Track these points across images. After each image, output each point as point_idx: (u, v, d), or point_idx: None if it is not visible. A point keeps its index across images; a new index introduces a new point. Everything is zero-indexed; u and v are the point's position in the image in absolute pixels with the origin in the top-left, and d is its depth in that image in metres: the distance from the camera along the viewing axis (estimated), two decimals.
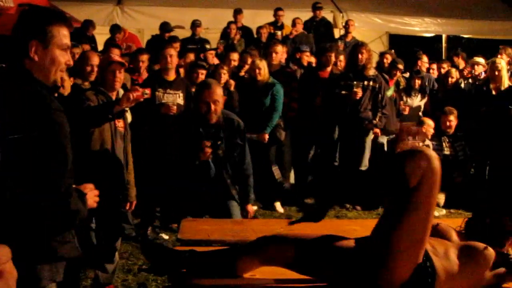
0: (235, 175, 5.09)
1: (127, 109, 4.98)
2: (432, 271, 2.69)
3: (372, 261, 2.65)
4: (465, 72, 9.47)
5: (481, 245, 2.90)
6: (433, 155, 2.65)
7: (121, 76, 4.79)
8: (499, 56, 9.50)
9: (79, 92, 5.03)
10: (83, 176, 2.77)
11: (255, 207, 7.79)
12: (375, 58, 9.51)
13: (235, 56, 8.52)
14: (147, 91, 4.76)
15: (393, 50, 10.72)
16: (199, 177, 4.89)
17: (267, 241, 2.94)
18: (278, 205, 7.84)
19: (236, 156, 5.04)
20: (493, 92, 8.20)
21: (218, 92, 4.83)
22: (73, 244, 2.56)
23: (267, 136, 7.63)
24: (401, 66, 8.94)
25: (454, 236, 3.02)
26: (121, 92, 5.24)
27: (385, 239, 2.63)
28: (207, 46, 10.00)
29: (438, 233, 3.08)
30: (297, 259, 2.84)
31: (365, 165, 7.88)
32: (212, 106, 4.77)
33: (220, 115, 4.90)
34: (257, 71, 7.59)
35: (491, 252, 2.87)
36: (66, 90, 5.84)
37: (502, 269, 2.87)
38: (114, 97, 4.76)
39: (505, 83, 8.22)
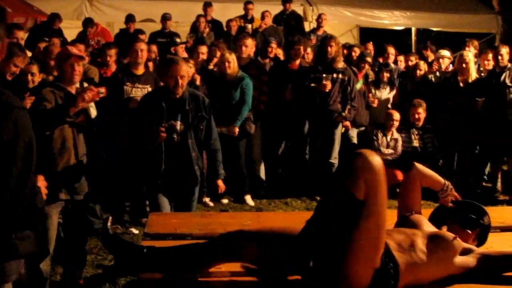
0: (201, 149, 5.34)
1: (92, 104, 5.00)
2: (395, 271, 2.68)
3: (329, 270, 2.63)
4: (434, 66, 9.55)
5: (450, 235, 2.92)
6: (372, 159, 2.58)
7: (80, 69, 4.77)
8: (466, 48, 9.61)
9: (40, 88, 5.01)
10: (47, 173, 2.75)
11: (225, 200, 7.83)
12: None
13: (203, 49, 8.48)
14: (102, 90, 4.71)
15: (371, 43, 10.75)
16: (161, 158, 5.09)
17: (230, 238, 2.92)
18: (248, 198, 7.85)
19: (202, 129, 5.23)
20: (461, 85, 8.29)
21: (184, 68, 5.10)
22: (31, 240, 2.55)
23: (237, 129, 7.62)
24: (369, 59, 8.99)
25: (425, 225, 3.04)
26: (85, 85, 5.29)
27: (339, 249, 2.59)
28: (177, 40, 9.96)
29: (409, 222, 3.11)
30: (259, 256, 2.83)
31: (334, 157, 7.91)
32: (179, 81, 4.98)
33: (186, 90, 5.12)
34: (227, 64, 7.56)
35: (459, 242, 2.91)
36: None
37: (468, 258, 2.90)
38: (74, 91, 4.72)
39: (473, 75, 8.32)
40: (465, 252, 2.92)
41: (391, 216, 3.59)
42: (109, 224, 2.96)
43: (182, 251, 2.96)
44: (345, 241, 2.57)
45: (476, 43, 10.23)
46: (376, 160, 2.58)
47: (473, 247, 2.97)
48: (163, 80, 5.37)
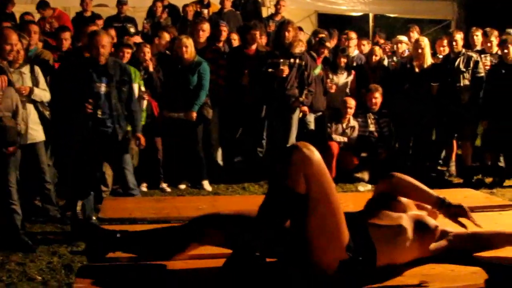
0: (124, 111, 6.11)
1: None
2: (371, 255, 2.68)
3: (298, 257, 2.64)
4: (387, 49, 9.64)
5: (433, 223, 2.94)
6: (308, 152, 2.54)
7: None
8: (410, 34, 9.75)
9: None
10: None
11: (183, 186, 7.80)
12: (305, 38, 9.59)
13: (166, 36, 8.40)
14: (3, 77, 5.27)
15: (335, 30, 10.77)
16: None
17: (198, 225, 2.88)
18: (206, 183, 7.83)
19: (125, 92, 6.07)
20: (416, 70, 8.38)
21: (105, 39, 5.89)
22: None
23: (195, 115, 7.58)
24: (328, 45, 9.00)
25: (408, 207, 3.01)
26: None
27: (300, 241, 2.59)
28: (131, 30, 9.57)
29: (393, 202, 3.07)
30: (228, 241, 2.80)
31: (292, 142, 7.93)
32: (101, 50, 5.79)
33: (108, 58, 5.94)
34: (184, 49, 7.50)
35: (439, 230, 2.94)
36: None
37: (443, 241, 2.93)
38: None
39: (428, 61, 8.42)
40: (442, 235, 2.95)
41: (345, 200, 3.64)
42: (78, 209, 2.89)
43: (154, 235, 2.91)
44: (303, 234, 2.57)
45: (417, 28, 10.34)
46: (312, 152, 2.55)
47: (448, 229, 2.99)
48: (88, 51, 6.06)
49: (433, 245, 2.89)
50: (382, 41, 10.63)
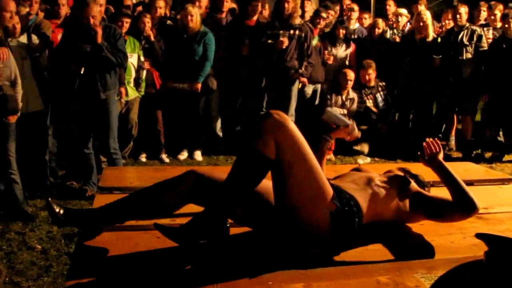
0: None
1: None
2: (357, 207, 2.68)
3: (284, 221, 2.63)
4: (390, 21, 9.55)
5: (402, 178, 2.99)
6: (280, 118, 2.55)
7: None
8: (419, 6, 9.64)
9: None
10: None
11: (182, 156, 7.79)
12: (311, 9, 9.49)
13: (161, 4, 8.28)
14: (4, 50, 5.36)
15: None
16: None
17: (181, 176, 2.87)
18: (197, 153, 7.84)
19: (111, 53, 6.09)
20: (418, 43, 8.33)
21: (95, 9, 6.01)
22: None
23: (199, 86, 7.56)
24: (324, 15, 8.90)
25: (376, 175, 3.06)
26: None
27: (285, 207, 2.60)
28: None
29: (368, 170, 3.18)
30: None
31: (291, 114, 7.92)
32: (91, 20, 5.92)
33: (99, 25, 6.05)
34: (189, 18, 7.44)
35: (413, 184, 2.97)
36: None
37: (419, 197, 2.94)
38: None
39: (430, 34, 8.36)
40: (416, 194, 2.95)
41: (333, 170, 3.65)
42: (55, 208, 2.78)
43: (134, 198, 2.86)
44: (286, 198, 2.58)
45: (425, 1, 10.20)
46: (284, 119, 2.56)
47: (422, 191, 3.00)
48: (79, 22, 6.04)
49: (408, 202, 2.90)
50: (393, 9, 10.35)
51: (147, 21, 7.42)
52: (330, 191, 2.61)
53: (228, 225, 2.62)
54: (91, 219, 2.77)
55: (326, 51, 8.64)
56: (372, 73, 8.47)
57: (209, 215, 2.57)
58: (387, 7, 10.34)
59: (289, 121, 2.58)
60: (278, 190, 2.62)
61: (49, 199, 2.76)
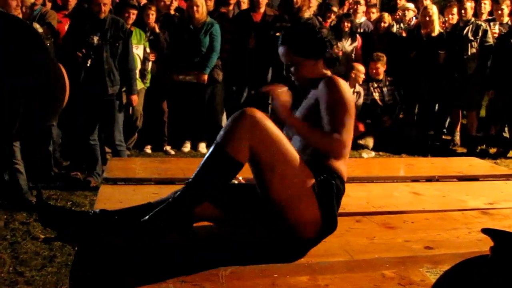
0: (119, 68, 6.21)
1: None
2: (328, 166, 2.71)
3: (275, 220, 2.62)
4: (397, 16, 9.50)
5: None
6: (250, 121, 2.46)
7: None
8: (425, 0, 9.58)
9: None
10: None
11: (186, 149, 7.79)
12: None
13: None
14: None
15: None
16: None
17: None
18: (202, 145, 7.84)
19: (118, 47, 6.16)
20: (424, 38, 8.29)
21: None
22: None
23: (206, 77, 7.56)
24: (335, 9, 8.87)
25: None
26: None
27: (272, 201, 2.56)
28: None
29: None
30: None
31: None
32: (103, 7, 5.99)
33: (108, 14, 6.13)
34: (195, 8, 7.41)
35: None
36: None
37: None
38: None
39: (436, 29, 8.31)
40: None
41: (350, 166, 3.63)
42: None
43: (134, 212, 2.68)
44: (271, 193, 2.54)
45: None
46: (259, 118, 2.48)
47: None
48: (89, 6, 6.23)
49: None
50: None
51: (152, 13, 7.41)
52: (310, 176, 2.60)
53: (192, 223, 2.57)
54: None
55: (334, 46, 8.56)
56: (381, 67, 8.41)
57: (169, 212, 2.49)
58: (398, 0, 10.29)
59: (265, 119, 2.50)
60: (262, 187, 2.58)
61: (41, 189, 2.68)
